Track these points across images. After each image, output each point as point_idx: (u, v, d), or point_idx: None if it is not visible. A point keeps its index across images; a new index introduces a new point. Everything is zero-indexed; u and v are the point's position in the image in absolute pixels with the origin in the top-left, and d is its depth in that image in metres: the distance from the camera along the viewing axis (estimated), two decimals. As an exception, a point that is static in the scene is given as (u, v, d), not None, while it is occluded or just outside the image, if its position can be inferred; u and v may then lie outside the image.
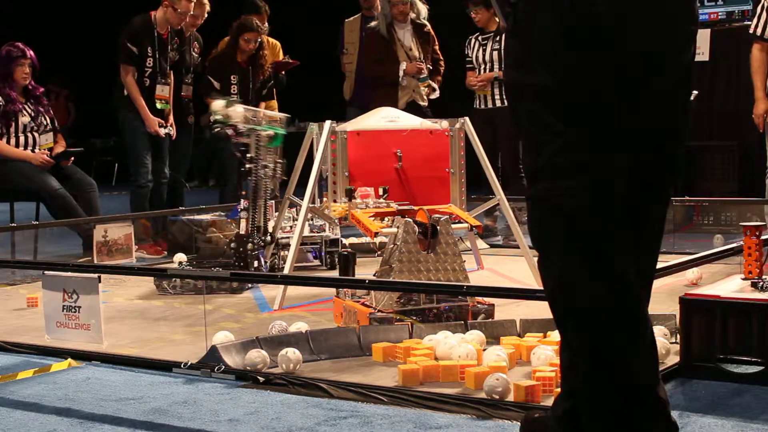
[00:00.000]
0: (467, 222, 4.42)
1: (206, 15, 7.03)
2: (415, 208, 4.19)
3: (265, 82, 7.10)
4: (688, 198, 6.60)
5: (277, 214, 5.31)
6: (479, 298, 3.81)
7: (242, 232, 4.98)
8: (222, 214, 6.11)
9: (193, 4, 6.64)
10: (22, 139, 6.10)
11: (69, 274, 3.69)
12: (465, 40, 7.20)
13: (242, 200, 5.00)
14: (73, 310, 3.62)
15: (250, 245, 4.89)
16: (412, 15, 7.03)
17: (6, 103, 6.02)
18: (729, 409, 2.71)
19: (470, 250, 5.63)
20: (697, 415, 2.66)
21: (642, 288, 2.17)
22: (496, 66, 6.94)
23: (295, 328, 3.56)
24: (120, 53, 6.52)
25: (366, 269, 4.78)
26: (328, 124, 4.73)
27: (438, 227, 3.85)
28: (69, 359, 3.45)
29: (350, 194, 4.52)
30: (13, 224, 5.70)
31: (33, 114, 6.16)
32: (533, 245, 2.21)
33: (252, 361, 3.20)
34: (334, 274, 5.02)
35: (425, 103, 7.03)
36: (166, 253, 6.27)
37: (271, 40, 7.60)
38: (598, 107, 2.08)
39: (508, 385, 2.81)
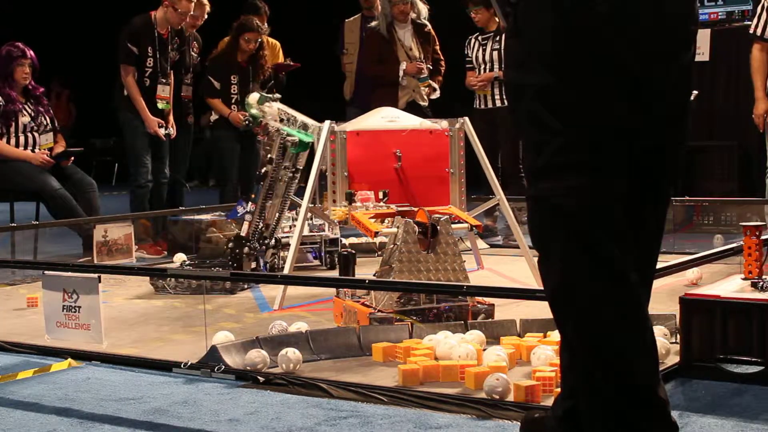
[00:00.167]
0: (467, 222, 4.42)
1: (206, 15, 7.03)
2: (415, 209, 4.19)
3: (265, 82, 7.10)
4: (688, 198, 6.59)
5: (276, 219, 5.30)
6: (479, 298, 3.81)
7: (243, 233, 4.98)
8: (222, 214, 6.12)
9: (193, 4, 6.64)
10: (22, 139, 6.10)
11: (69, 274, 3.69)
12: (465, 40, 7.21)
13: (249, 203, 5.00)
14: (73, 310, 3.61)
15: (246, 248, 4.89)
16: (413, 15, 7.04)
17: (6, 103, 6.02)
18: (729, 409, 2.71)
19: (470, 250, 5.63)
20: (697, 415, 2.66)
21: (642, 288, 2.17)
22: (496, 66, 6.94)
23: (295, 328, 3.56)
24: (120, 53, 6.52)
25: (366, 269, 4.78)
26: (327, 124, 4.73)
27: (438, 227, 3.85)
28: (69, 359, 3.46)
29: (350, 198, 4.51)
30: (13, 224, 5.70)
31: (33, 114, 6.16)
32: (533, 245, 2.21)
33: (252, 361, 3.20)
34: (334, 274, 5.02)
35: (425, 103, 7.04)
36: (166, 253, 6.28)
37: (271, 40, 7.61)
38: (598, 107, 2.08)
39: (508, 385, 2.80)
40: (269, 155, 4.95)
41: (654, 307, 2.56)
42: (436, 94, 7.12)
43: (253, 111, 5.04)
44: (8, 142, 6.04)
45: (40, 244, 6.17)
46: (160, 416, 2.79)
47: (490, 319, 3.76)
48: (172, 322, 4.19)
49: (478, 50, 7.06)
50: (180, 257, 5.70)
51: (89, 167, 13.35)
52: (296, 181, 5.01)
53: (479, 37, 7.08)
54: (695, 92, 3.45)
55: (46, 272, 3.78)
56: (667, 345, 3.17)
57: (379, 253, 4.82)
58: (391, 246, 3.96)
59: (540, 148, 2.11)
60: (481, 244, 6.07)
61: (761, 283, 3.17)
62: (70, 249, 6.48)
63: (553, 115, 2.08)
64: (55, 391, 3.08)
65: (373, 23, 7.12)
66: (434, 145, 4.83)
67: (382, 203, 4.54)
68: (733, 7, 7.86)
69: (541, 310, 3.38)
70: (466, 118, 4.97)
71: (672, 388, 2.91)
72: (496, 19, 6.77)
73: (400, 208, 4.45)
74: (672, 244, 5.63)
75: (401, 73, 6.95)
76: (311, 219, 5.55)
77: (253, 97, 5.07)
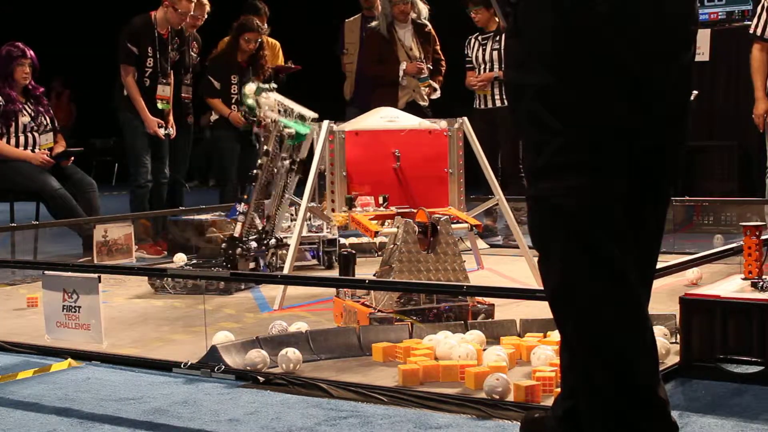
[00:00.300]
0: (467, 222, 4.41)
1: (206, 15, 7.03)
2: (415, 210, 4.19)
3: (264, 82, 7.09)
4: (688, 198, 6.59)
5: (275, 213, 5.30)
6: (479, 298, 3.81)
7: (236, 234, 4.98)
8: (222, 214, 6.12)
9: (193, 4, 6.64)
10: (22, 139, 6.10)
11: (69, 274, 3.69)
12: (465, 40, 7.21)
13: (242, 203, 5.00)
14: (73, 310, 3.61)
15: (239, 249, 4.88)
16: (413, 15, 7.04)
17: (6, 103, 6.02)
18: (729, 409, 2.71)
19: (470, 250, 5.63)
20: (697, 415, 2.66)
21: (642, 288, 2.17)
22: (496, 66, 6.95)
23: (295, 328, 3.56)
24: (120, 53, 6.53)
25: (366, 269, 4.78)
26: (326, 123, 4.73)
27: (438, 227, 3.85)
28: (69, 359, 3.46)
29: (350, 203, 4.51)
30: (13, 224, 5.70)
31: (33, 114, 6.16)
32: (533, 245, 2.21)
33: (252, 361, 3.20)
34: (334, 274, 5.02)
35: (426, 103, 7.04)
36: (166, 253, 6.28)
37: (270, 40, 7.61)
38: (598, 107, 2.08)
39: (508, 385, 2.80)
40: (265, 146, 4.94)
41: (654, 307, 2.56)
42: (437, 94, 7.12)
43: (250, 102, 5.03)
44: (8, 142, 6.04)
45: (40, 244, 6.17)
46: (160, 416, 2.79)
47: (490, 319, 3.76)
48: (172, 322, 4.18)
49: (478, 50, 7.06)
50: (180, 257, 5.70)
51: (89, 167, 13.35)
52: (295, 173, 4.98)
53: (479, 37, 7.08)
54: (695, 92, 3.46)
55: (46, 272, 3.78)
56: (667, 345, 3.17)
57: (379, 253, 4.81)
58: (391, 246, 3.96)
59: (540, 148, 2.11)
60: (481, 244, 6.07)
61: (761, 283, 3.17)
62: (70, 249, 6.48)
63: (553, 115, 2.08)
64: (55, 391, 3.08)
65: (374, 23, 7.12)
66: (433, 145, 4.83)
67: (382, 208, 4.54)
68: (733, 7, 7.86)
69: (541, 310, 3.38)
70: (465, 118, 4.97)
71: (672, 388, 2.91)
72: (496, 19, 6.77)
73: (399, 210, 4.45)
74: (672, 244, 5.63)
75: (401, 73, 6.95)
76: (310, 219, 5.55)
77: (250, 88, 5.06)
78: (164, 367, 3.32)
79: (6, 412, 2.87)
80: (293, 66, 7.56)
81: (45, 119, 6.23)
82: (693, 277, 4.64)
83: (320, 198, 4.87)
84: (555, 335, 3.30)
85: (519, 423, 2.49)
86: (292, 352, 3.19)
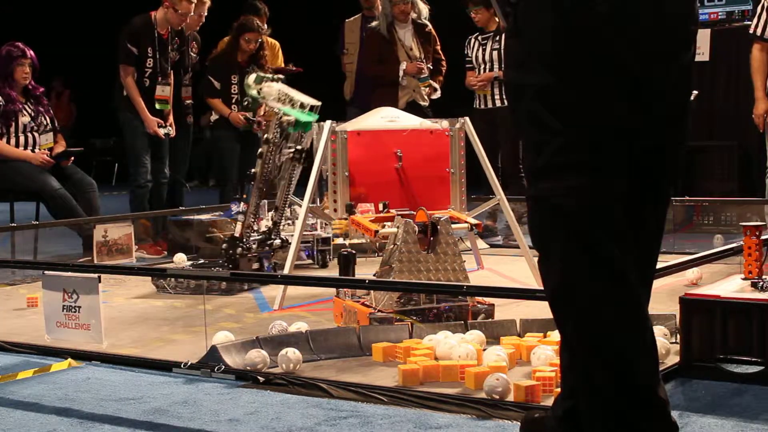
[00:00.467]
0: (467, 222, 4.41)
1: (206, 12, 7.02)
2: (415, 212, 4.19)
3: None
4: (688, 198, 6.59)
5: (272, 212, 5.29)
6: (479, 298, 3.81)
7: (237, 234, 4.97)
8: (222, 214, 6.12)
9: (193, 5, 6.63)
10: (22, 139, 6.10)
11: (69, 274, 3.69)
12: (465, 40, 7.21)
13: (241, 203, 4.99)
14: (73, 310, 3.61)
15: (240, 249, 4.88)
16: (413, 15, 7.04)
17: (6, 103, 6.02)
18: (729, 409, 2.71)
19: (470, 250, 5.63)
20: (697, 415, 2.66)
21: (642, 288, 2.17)
22: (496, 66, 6.95)
23: (295, 328, 3.56)
24: (120, 53, 6.52)
25: (366, 269, 4.78)
26: (328, 123, 4.73)
27: (438, 227, 3.85)
28: (69, 359, 3.45)
29: (351, 209, 4.51)
30: (13, 224, 5.70)
31: (33, 114, 6.16)
32: (533, 245, 2.21)
33: (252, 361, 3.20)
34: (334, 273, 5.02)
35: (426, 103, 7.04)
36: (166, 253, 6.28)
37: (270, 40, 7.60)
38: (598, 107, 2.08)
39: (508, 385, 2.80)
40: (266, 135, 4.94)
41: (654, 307, 2.56)
42: (437, 94, 7.12)
43: (252, 92, 5.02)
44: (8, 142, 6.04)
45: (40, 244, 6.17)
46: (160, 416, 2.79)
47: (490, 319, 3.76)
48: (172, 322, 4.18)
49: (478, 50, 7.06)
50: (180, 257, 5.70)
51: (89, 167, 13.35)
52: (299, 163, 4.94)
53: (479, 37, 7.09)
54: (695, 92, 3.46)
55: (46, 272, 3.78)
56: (667, 345, 3.17)
57: (379, 253, 4.79)
58: (391, 246, 3.96)
59: (540, 148, 2.11)
60: (481, 244, 6.07)
61: (761, 283, 3.17)
62: (70, 249, 6.48)
63: (553, 115, 2.08)
64: (55, 391, 3.08)
65: (374, 23, 7.12)
66: (435, 145, 4.83)
67: (382, 214, 4.53)
68: (733, 7, 7.86)
69: (541, 310, 3.38)
70: (467, 118, 4.97)
71: (672, 388, 2.91)
72: (496, 19, 6.77)
73: (400, 212, 4.44)
74: (672, 244, 5.63)
75: (401, 73, 6.95)
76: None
77: (251, 78, 5.05)
78: (164, 367, 3.32)
79: (6, 412, 2.87)
80: (294, 68, 7.56)
81: (45, 119, 6.23)
82: (693, 277, 4.64)
83: (321, 198, 4.88)
84: (555, 335, 3.30)
85: (519, 423, 2.49)
86: (292, 352, 3.19)
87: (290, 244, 5.09)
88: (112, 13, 9.43)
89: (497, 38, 6.92)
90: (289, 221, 5.56)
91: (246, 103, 5.00)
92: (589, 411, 2.12)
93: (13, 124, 6.06)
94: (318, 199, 4.94)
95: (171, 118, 6.72)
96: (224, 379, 3.16)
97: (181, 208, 6.70)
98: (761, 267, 3.27)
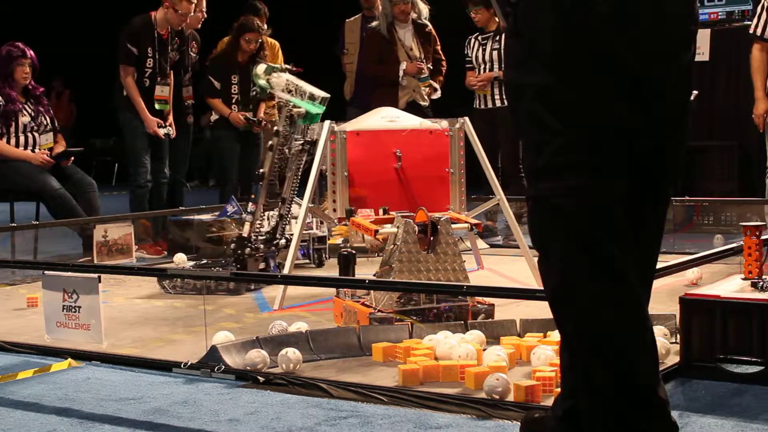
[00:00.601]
0: (467, 222, 4.41)
1: (205, 6, 7.01)
2: (415, 214, 4.18)
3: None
4: (688, 198, 6.59)
5: (275, 211, 5.29)
6: (479, 298, 3.81)
7: (245, 234, 4.97)
8: (218, 214, 6.12)
9: (193, 5, 6.63)
10: (22, 139, 6.10)
11: (69, 274, 3.69)
12: (465, 40, 7.21)
13: (249, 203, 4.98)
14: (73, 310, 3.62)
15: (248, 249, 4.88)
16: (414, 15, 7.04)
17: (6, 103, 6.02)
18: (729, 409, 2.71)
19: (470, 250, 5.63)
20: (697, 415, 2.66)
21: (642, 288, 2.17)
22: (495, 66, 6.95)
23: (295, 328, 3.56)
24: (120, 53, 6.53)
25: (366, 269, 4.78)
26: (327, 123, 4.73)
27: (438, 227, 3.85)
28: (69, 359, 3.45)
29: (351, 215, 4.51)
30: (13, 224, 5.70)
31: (33, 114, 6.16)
32: (533, 245, 2.21)
33: (252, 361, 3.20)
34: (333, 273, 5.02)
35: (426, 103, 7.04)
36: (166, 253, 6.28)
37: (270, 40, 7.60)
38: (598, 107, 2.08)
39: (508, 385, 2.80)
40: (276, 128, 4.93)
41: (654, 307, 2.56)
42: (437, 94, 7.12)
43: (261, 82, 5.01)
44: (8, 142, 6.04)
45: (40, 244, 6.17)
46: (160, 416, 2.79)
47: (490, 319, 3.76)
48: (172, 322, 4.18)
49: (478, 50, 7.06)
50: (180, 257, 5.70)
51: (89, 167, 13.36)
52: (308, 154, 4.93)
53: (479, 37, 7.09)
54: (695, 92, 3.46)
55: (46, 272, 3.78)
56: (667, 345, 3.17)
57: (379, 253, 4.80)
58: (391, 246, 3.96)
59: (540, 148, 2.11)
60: (481, 244, 6.07)
61: (761, 283, 3.17)
62: (70, 249, 6.48)
63: (553, 115, 2.08)
64: (55, 391, 3.08)
65: (374, 23, 7.12)
66: (434, 145, 4.83)
67: (382, 216, 4.53)
68: (733, 7, 7.86)
69: (541, 310, 3.38)
70: (467, 118, 4.97)
71: (672, 388, 2.91)
72: (496, 19, 6.77)
73: (400, 214, 4.44)
74: (672, 244, 5.63)
75: (401, 73, 6.95)
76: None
77: (261, 68, 5.05)
78: (164, 367, 3.32)
79: (6, 412, 2.87)
80: (294, 68, 7.56)
81: (45, 119, 6.23)
82: (693, 277, 4.64)
83: (321, 199, 4.87)
84: (555, 335, 3.30)
85: (519, 423, 2.49)
86: (292, 352, 3.19)
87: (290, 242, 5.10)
88: (112, 13, 9.44)
89: (497, 38, 6.92)
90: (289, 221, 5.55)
91: (254, 92, 4.98)
92: (589, 411, 2.12)
93: (13, 124, 6.06)
94: (318, 200, 4.94)
95: (171, 118, 6.72)
96: (224, 379, 3.16)
97: (181, 208, 6.70)
98: (761, 267, 3.27)
